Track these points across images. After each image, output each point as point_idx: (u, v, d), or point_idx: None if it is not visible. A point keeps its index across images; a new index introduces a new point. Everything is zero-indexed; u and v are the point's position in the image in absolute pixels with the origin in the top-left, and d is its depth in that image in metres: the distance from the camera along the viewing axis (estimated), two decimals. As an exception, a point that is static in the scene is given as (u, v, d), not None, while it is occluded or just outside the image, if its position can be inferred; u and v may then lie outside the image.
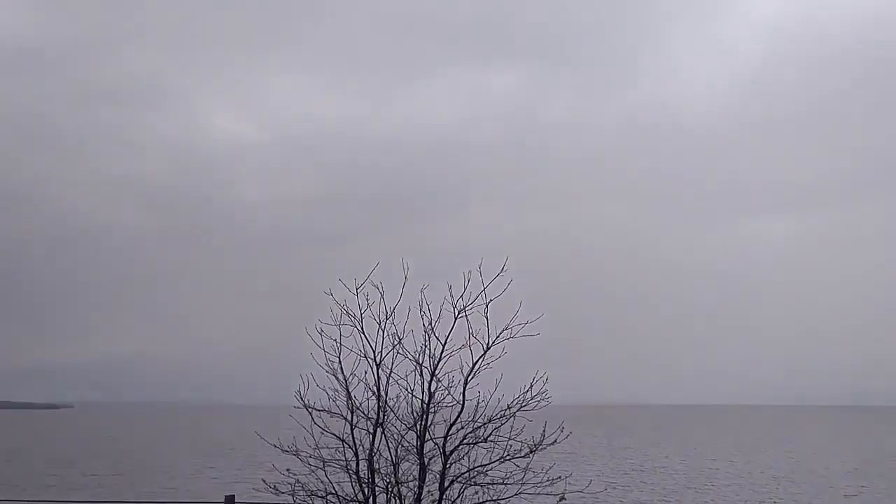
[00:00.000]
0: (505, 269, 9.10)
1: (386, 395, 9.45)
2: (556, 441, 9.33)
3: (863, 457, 54.55)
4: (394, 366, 9.42)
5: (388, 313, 9.32)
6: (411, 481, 9.31)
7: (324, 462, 9.38)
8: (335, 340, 9.43)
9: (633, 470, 44.12)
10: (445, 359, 9.32)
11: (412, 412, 9.43)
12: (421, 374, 9.39)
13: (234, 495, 11.05)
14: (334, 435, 9.45)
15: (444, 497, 9.23)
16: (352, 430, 9.45)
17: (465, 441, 9.36)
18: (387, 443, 9.43)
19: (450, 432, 9.36)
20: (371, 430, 9.44)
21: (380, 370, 9.45)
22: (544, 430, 9.30)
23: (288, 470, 9.41)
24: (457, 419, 9.36)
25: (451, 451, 9.34)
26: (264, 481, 9.52)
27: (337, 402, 9.52)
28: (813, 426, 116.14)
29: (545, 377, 9.31)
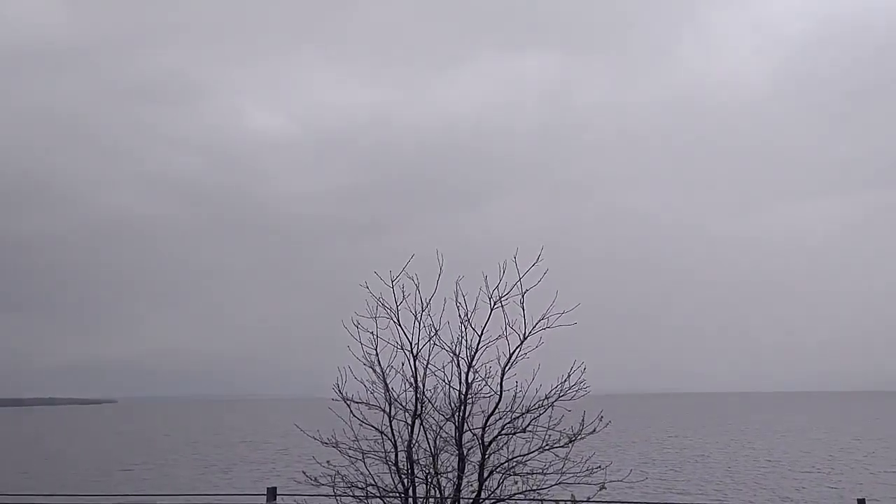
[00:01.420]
0: (541, 258, 9.04)
1: (423, 386, 9.46)
2: (595, 430, 9.25)
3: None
4: (431, 357, 9.42)
5: (424, 305, 9.32)
6: (450, 472, 9.31)
7: (363, 454, 9.41)
8: (372, 333, 9.44)
9: (672, 459, 43.77)
10: (482, 349, 9.29)
11: (450, 403, 9.42)
12: (458, 365, 9.37)
13: (275, 487, 11.17)
14: (373, 426, 9.47)
15: (483, 487, 9.22)
16: (390, 421, 9.47)
17: (503, 431, 9.34)
18: (425, 434, 9.44)
19: (488, 423, 9.34)
20: (409, 422, 9.45)
21: (417, 362, 9.46)
22: (583, 420, 9.23)
23: (328, 462, 9.46)
24: (495, 409, 9.33)
25: (490, 442, 9.32)
26: (304, 473, 9.58)
27: (375, 394, 9.54)
28: (861, 412, 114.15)
29: (583, 366, 9.24)
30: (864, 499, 9.40)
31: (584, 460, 9.33)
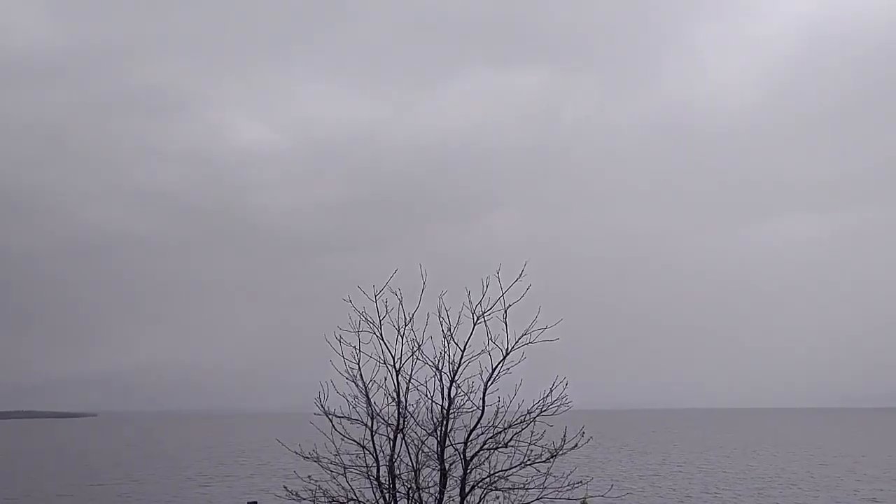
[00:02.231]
0: (524, 274, 9.11)
1: (406, 400, 9.48)
2: (577, 445, 9.31)
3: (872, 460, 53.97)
4: (413, 372, 9.47)
5: (407, 319, 9.36)
6: (432, 487, 9.32)
7: (345, 468, 9.42)
8: (354, 347, 9.47)
9: (652, 475, 43.84)
10: (465, 364, 9.34)
11: (432, 418, 9.45)
12: (440, 380, 9.41)
13: (256, 502, 11.13)
14: (355, 441, 9.48)
15: (464, 502, 9.23)
16: (372, 436, 9.48)
17: (485, 446, 9.37)
18: (407, 448, 9.46)
19: (470, 437, 9.37)
20: (391, 436, 9.46)
21: (399, 376, 9.48)
22: (564, 435, 9.28)
23: (309, 476, 9.45)
24: (477, 424, 9.37)
25: (472, 457, 9.34)
26: (286, 488, 9.55)
27: (357, 409, 9.56)
28: (834, 428, 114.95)
29: (565, 382, 9.30)
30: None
31: (565, 475, 9.37)
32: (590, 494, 9.60)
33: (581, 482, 9.41)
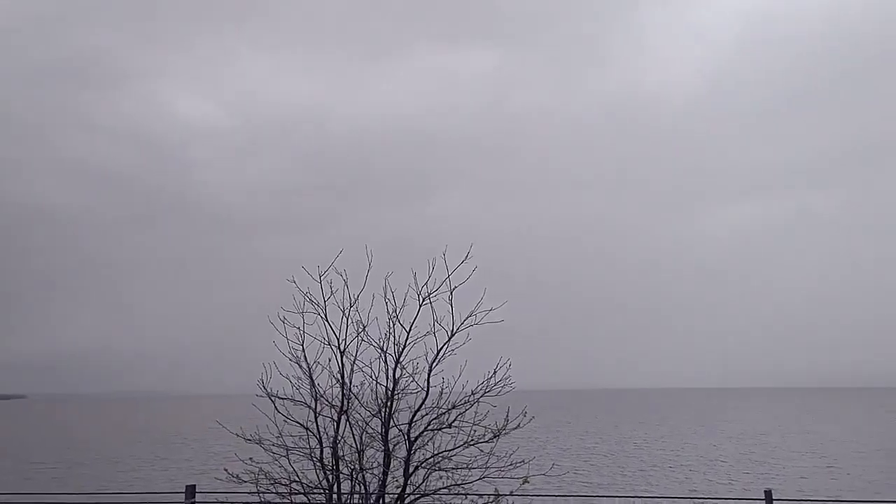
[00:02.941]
0: (470, 256, 9.13)
1: (350, 382, 9.44)
2: (519, 426, 9.40)
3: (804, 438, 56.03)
4: (358, 353, 9.41)
5: (353, 301, 9.30)
6: (376, 468, 9.32)
7: (287, 450, 9.35)
8: (298, 328, 9.39)
9: (590, 454, 44.71)
10: (410, 346, 9.33)
11: (377, 399, 9.43)
12: (385, 361, 9.39)
13: (194, 485, 10.96)
14: (298, 423, 9.41)
15: (408, 483, 9.26)
16: (315, 417, 9.43)
17: (429, 427, 9.39)
18: (351, 430, 9.43)
19: (414, 418, 9.38)
20: (335, 418, 9.42)
21: (344, 358, 9.43)
22: (507, 415, 9.37)
23: (250, 459, 9.35)
24: (421, 405, 9.38)
25: (416, 438, 9.36)
26: (226, 470, 9.44)
27: (300, 391, 9.48)
28: (775, 407, 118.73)
29: (508, 363, 9.38)
30: (770, 490, 9.80)
31: (508, 455, 9.47)
32: (531, 473, 9.70)
33: (523, 461, 9.52)
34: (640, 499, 24.94)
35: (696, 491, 28.95)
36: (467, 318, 9.17)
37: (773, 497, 9.61)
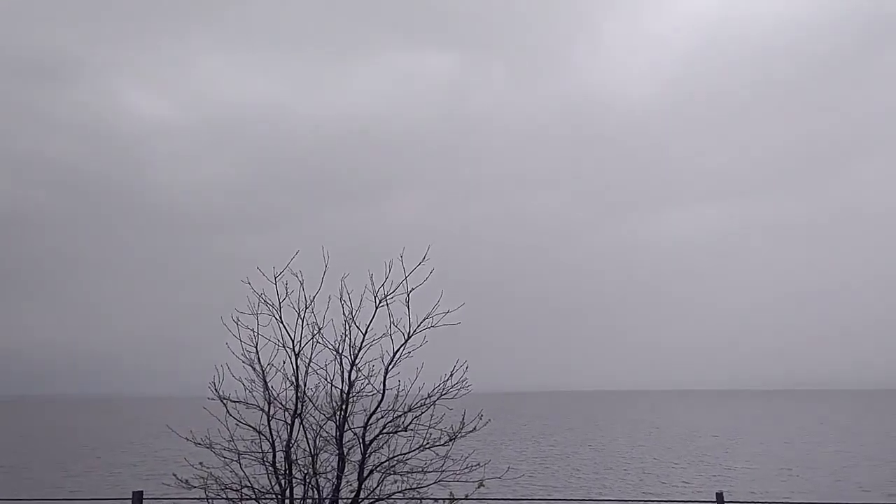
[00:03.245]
0: (427, 258, 9.07)
1: (304, 385, 9.31)
2: (475, 429, 9.37)
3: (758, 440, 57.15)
4: (313, 355, 9.30)
5: (308, 302, 9.18)
6: (329, 472, 9.20)
7: (239, 454, 9.18)
8: (252, 330, 9.23)
9: (546, 456, 44.96)
10: (366, 348, 9.24)
11: (331, 402, 9.32)
12: (341, 364, 9.29)
13: (142, 491, 10.68)
14: (250, 426, 9.25)
15: (362, 487, 9.16)
16: (269, 421, 9.28)
17: (384, 430, 9.32)
18: (305, 434, 9.30)
19: (369, 422, 9.29)
20: (288, 421, 9.28)
21: (298, 360, 9.31)
22: (463, 418, 9.33)
23: (200, 463, 9.16)
24: (377, 408, 9.30)
25: (371, 441, 9.27)
26: (175, 476, 9.23)
27: (253, 393, 9.33)
28: (721, 409, 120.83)
29: (465, 365, 9.34)
30: (721, 492, 9.91)
31: (463, 458, 9.43)
32: (487, 477, 9.67)
33: (479, 465, 9.49)
34: (594, 502, 25.12)
35: (649, 493, 29.29)
36: (424, 320, 9.12)
37: (725, 499, 9.71)
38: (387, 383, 9.27)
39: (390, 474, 9.29)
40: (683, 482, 33.00)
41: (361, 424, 9.32)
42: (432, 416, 9.31)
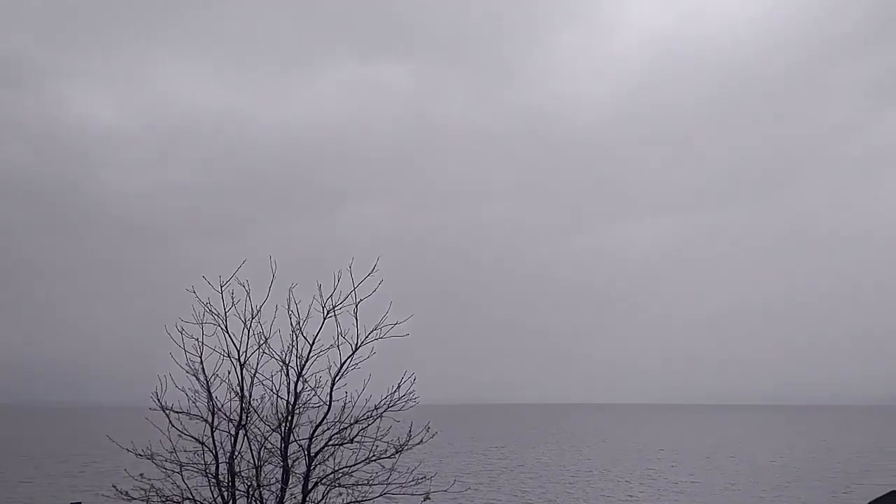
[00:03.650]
0: (376, 269, 9.06)
1: (250, 395, 9.22)
2: (422, 441, 9.37)
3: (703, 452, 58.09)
4: (259, 366, 9.21)
5: (255, 312, 9.09)
6: (274, 484, 9.11)
7: (181, 466, 9.04)
8: (197, 340, 9.10)
9: (491, 469, 45.06)
10: (313, 359, 9.18)
11: (277, 413, 9.23)
12: (287, 375, 9.22)
13: (80, 502, 10.45)
14: (193, 437, 9.12)
15: (307, 499, 9.08)
16: (212, 432, 9.16)
17: (330, 442, 9.26)
18: (249, 445, 9.20)
19: (315, 433, 9.23)
20: (232, 433, 9.17)
21: (244, 370, 9.20)
22: (410, 431, 9.32)
23: (141, 475, 8.99)
24: (323, 420, 9.24)
25: (316, 453, 9.21)
26: (115, 487, 9.05)
27: (197, 404, 9.19)
28: (668, 424, 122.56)
29: (413, 377, 9.34)
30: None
31: (409, 471, 9.42)
32: (433, 489, 9.67)
33: (425, 477, 9.49)
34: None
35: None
36: (372, 331, 9.10)
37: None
38: (333, 395, 9.22)
39: (335, 487, 9.24)
40: (628, 496, 33.39)
41: (307, 436, 9.25)
42: (379, 428, 9.29)
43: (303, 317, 9.11)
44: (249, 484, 9.05)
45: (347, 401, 9.27)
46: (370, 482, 9.23)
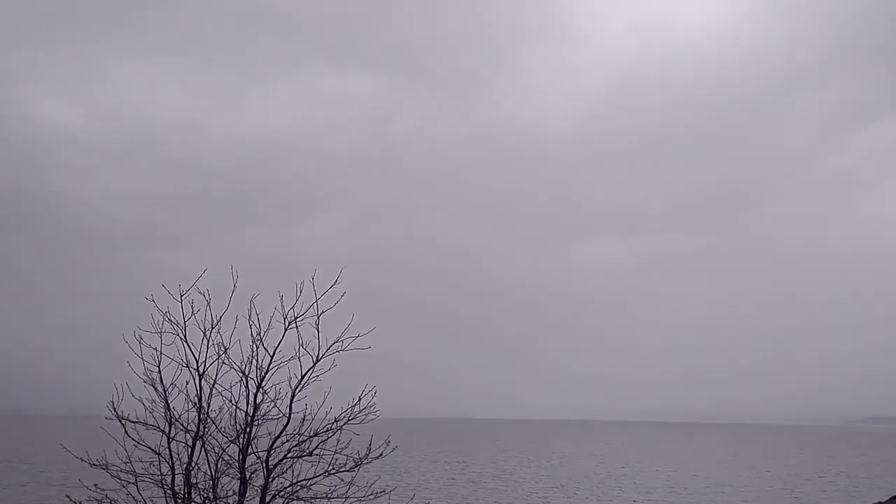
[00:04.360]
0: (339, 281, 9.05)
1: (208, 406, 9.13)
2: (381, 455, 9.36)
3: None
4: (218, 376, 9.13)
5: (215, 322, 9.01)
6: (231, 496, 9.03)
7: (136, 477, 8.93)
8: (155, 349, 9.00)
9: (451, 484, 44.96)
10: (273, 370, 9.13)
11: (235, 425, 9.15)
12: (247, 386, 9.15)
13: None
14: (149, 448, 9.00)
15: (264, 512, 9.00)
16: (169, 443, 9.05)
17: (289, 455, 9.20)
18: (206, 456, 9.11)
19: (274, 445, 9.17)
20: (190, 444, 9.07)
21: (202, 381, 9.11)
22: (370, 444, 9.31)
23: (96, 485, 8.87)
24: (282, 432, 9.19)
25: (275, 465, 9.14)
26: (69, 497, 8.90)
27: (154, 414, 9.09)
28: (629, 441, 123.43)
29: (374, 390, 9.33)
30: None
31: (368, 485, 9.40)
32: (392, 503, 9.67)
33: (384, 491, 9.48)
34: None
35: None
36: (333, 343, 9.08)
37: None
38: (293, 407, 9.18)
39: (294, 500, 9.18)
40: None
41: (265, 448, 9.18)
42: (339, 441, 9.26)
43: (264, 328, 9.08)
44: (206, 496, 8.96)
45: (307, 413, 9.24)
46: (329, 495, 9.20)
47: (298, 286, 9.01)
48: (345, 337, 9.08)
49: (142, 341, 8.97)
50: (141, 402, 9.03)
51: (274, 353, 9.09)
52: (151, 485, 8.98)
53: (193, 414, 9.12)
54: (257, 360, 9.11)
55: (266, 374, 9.12)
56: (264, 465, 9.12)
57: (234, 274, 9.00)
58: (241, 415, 9.15)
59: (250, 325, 9.04)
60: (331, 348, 9.09)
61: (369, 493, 9.40)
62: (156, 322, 8.97)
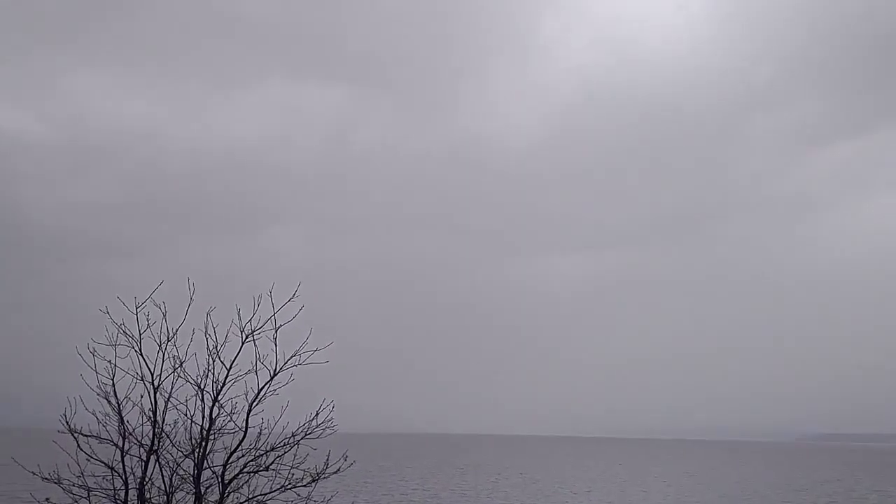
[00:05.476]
0: (297, 294, 9.05)
1: (163, 420, 9.05)
2: (339, 470, 9.35)
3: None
4: (173, 390, 9.05)
5: (171, 335, 8.94)
6: (185, 512, 8.93)
7: (89, 491, 8.81)
8: (110, 362, 8.90)
9: (408, 499, 44.76)
10: (230, 384, 9.09)
11: (191, 439, 9.08)
12: (202, 400, 9.09)
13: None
14: (102, 462, 8.89)
15: (219, 528, 8.92)
16: (122, 457, 8.95)
17: (245, 469, 9.15)
18: (161, 471, 9.02)
19: (230, 460, 9.10)
20: (144, 458, 8.97)
21: (157, 394, 9.03)
22: (328, 459, 9.29)
23: (47, 499, 8.73)
24: (238, 446, 9.13)
25: (231, 480, 9.08)
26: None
27: (107, 428, 8.98)
28: (585, 458, 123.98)
29: (332, 405, 9.33)
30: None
31: (325, 500, 9.38)
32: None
33: (341, 506, 9.47)
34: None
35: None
36: (291, 357, 9.06)
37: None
38: (250, 421, 9.14)
39: (249, 515, 9.10)
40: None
41: (221, 463, 9.11)
42: (296, 455, 9.24)
43: (220, 341, 9.03)
44: (159, 511, 8.85)
45: (264, 427, 9.20)
46: (285, 510, 9.14)
47: (256, 299, 9.00)
48: (302, 351, 9.08)
49: (96, 354, 8.87)
50: (94, 415, 8.92)
51: (231, 367, 9.05)
52: (104, 499, 8.86)
53: (148, 428, 9.04)
54: (213, 374, 9.06)
55: (222, 387, 9.07)
56: (220, 479, 9.05)
57: (191, 286, 8.95)
58: (196, 429, 9.09)
59: (206, 338, 9.00)
60: (288, 362, 9.08)
61: (326, 508, 9.36)
62: (110, 334, 8.88)
